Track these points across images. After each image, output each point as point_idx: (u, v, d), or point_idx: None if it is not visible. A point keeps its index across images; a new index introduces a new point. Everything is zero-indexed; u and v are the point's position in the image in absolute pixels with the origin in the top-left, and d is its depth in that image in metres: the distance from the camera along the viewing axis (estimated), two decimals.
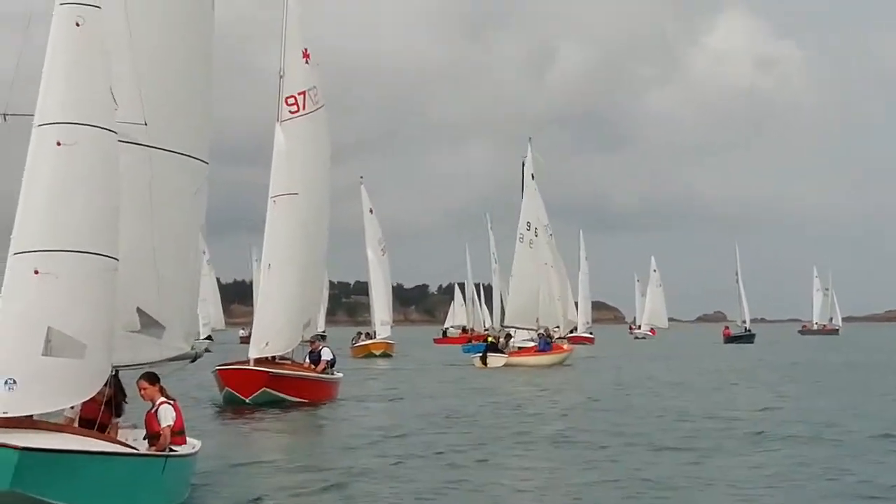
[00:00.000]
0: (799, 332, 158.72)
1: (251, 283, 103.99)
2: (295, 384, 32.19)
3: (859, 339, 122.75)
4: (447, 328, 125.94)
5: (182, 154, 16.97)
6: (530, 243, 65.01)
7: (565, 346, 63.12)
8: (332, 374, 34.15)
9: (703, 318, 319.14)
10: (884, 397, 37.73)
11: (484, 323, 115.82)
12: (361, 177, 79.28)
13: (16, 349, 13.32)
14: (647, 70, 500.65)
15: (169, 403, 16.05)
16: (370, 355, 72.70)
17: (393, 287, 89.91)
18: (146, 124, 15.52)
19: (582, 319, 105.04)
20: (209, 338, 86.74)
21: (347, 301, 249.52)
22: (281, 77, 35.27)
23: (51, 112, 13.67)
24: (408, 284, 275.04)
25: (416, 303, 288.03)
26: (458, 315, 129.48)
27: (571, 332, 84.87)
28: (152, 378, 16.20)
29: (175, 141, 16.73)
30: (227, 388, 31.89)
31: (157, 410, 15.97)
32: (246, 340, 45.77)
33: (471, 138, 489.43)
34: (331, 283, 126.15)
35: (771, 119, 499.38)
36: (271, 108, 35.41)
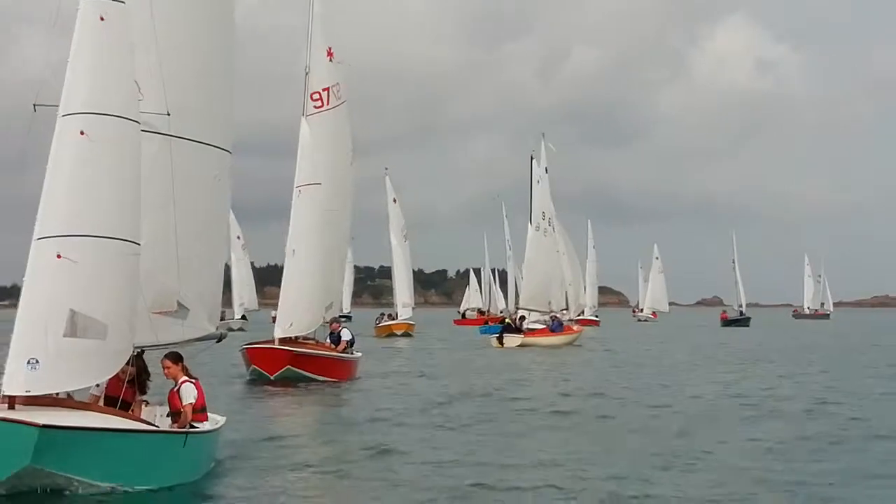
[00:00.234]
0: (793, 315, 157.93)
1: (283, 267, 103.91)
2: (317, 362, 31.83)
3: (851, 323, 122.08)
4: (465, 310, 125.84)
5: (205, 143, 16.53)
6: (545, 232, 64.61)
7: (575, 328, 63.02)
8: (352, 353, 33.75)
9: (702, 303, 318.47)
10: None
11: (498, 305, 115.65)
12: (386, 169, 79.38)
13: (38, 330, 12.94)
14: (653, 72, 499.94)
15: (191, 382, 15.66)
16: (392, 335, 72.85)
17: (414, 272, 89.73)
18: (169, 114, 15.05)
19: (589, 303, 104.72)
20: (244, 317, 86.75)
21: (372, 284, 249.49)
22: (306, 74, 34.87)
23: (74, 103, 13.26)
24: (428, 269, 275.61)
25: (436, 286, 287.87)
26: (472, 298, 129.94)
27: (580, 315, 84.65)
28: (176, 357, 15.81)
29: (198, 131, 16.30)
30: (253, 365, 31.70)
31: (179, 389, 15.57)
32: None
33: (487, 134, 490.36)
34: (356, 267, 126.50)
35: (768, 118, 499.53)
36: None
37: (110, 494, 13.43)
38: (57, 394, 13.64)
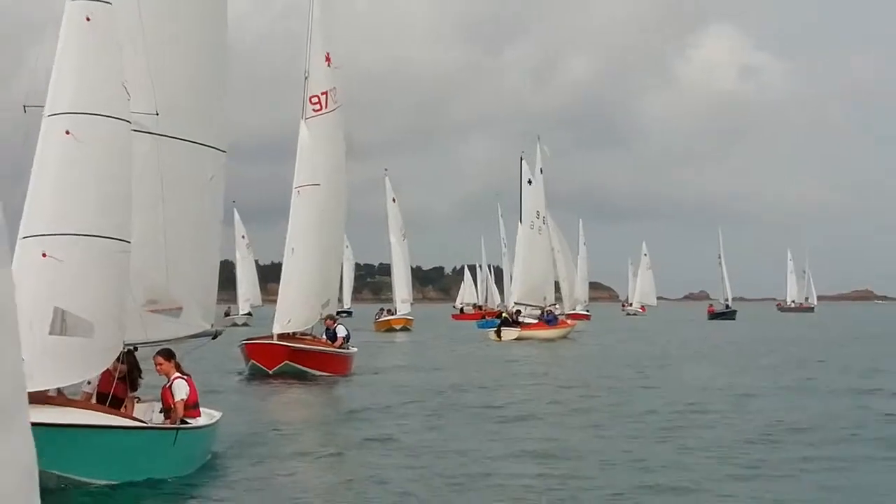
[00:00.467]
0: (777, 308, 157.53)
1: None
2: (314, 357, 31.42)
3: (835, 316, 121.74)
4: (463, 306, 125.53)
5: (197, 143, 16.00)
6: (539, 230, 64.22)
7: (568, 322, 62.94)
8: (348, 348, 33.34)
9: (689, 297, 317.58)
10: None
11: (495, 301, 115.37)
12: (386, 170, 79.25)
13: (24, 328, 12.40)
14: (642, 77, 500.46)
15: (183, 378, 15.22)
16: (391, 329, 72.26)
17: (412, 268, 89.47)
18: (157, 114, 14.55)
19: (580, 298, 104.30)
20: (249, 313, 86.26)
21: (372, 281, 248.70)
22: (306, 79, 34.38)
23: (61, 103, 12.78)
24: (425, 266, 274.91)
25: (433, 283, 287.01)
26: (467, 294, 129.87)
27: (573, 309, 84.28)
28: (168, 354, 15.36)
29: (189, 130, 15.76)
30: (252, 360, 31.29)
31: (171, 385, 15.13)
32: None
33: (483, 136, 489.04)
34: (357, 264, 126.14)
35: (752, 122, 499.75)
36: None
37: (101, 490, 13.05)
38: (47, 391, 13.20)
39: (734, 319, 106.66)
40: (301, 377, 30.30)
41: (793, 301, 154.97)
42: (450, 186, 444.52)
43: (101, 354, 13.31)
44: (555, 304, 64.69)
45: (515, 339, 55.39)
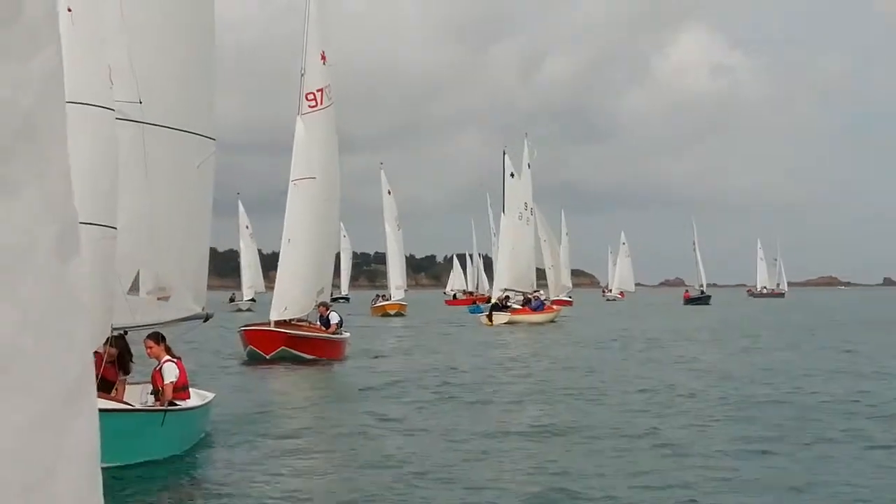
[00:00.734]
0: (748, 294, 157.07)
1: None
2: (309, 343, 30.83)
3: (806, 301, 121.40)
4: (455, 292, 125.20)
5: (184, 131, 15.18)
6: (527, 221, 63.90)
7: (554, 307, 63.00)
8: (341, 333, 32.73)
9: (665, 283, 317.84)
10: None
11: (485, 287, 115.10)
12: (381, 163, 79.98)
13: None
14: (621, 75, 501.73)
15: (172, 362, 14.59)
16: (386, 314, 72.06)
17: (406, 257, 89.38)
18: (141, 102, 13.84)
19: (566, 285, 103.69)
20: (252, 299, 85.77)
21: (368, 268, 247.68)
22: (302, 76, 33.66)
23: None
24: (418, 255, 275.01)
25: (425, 270, 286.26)
26: (456, 281, 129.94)
27: (558, 296, 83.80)
28: (158, 338, 14.72)
29: (175, 118, 14.94)
30: (250, 346, 30.70)
31: (161, 368, 14.51)
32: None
33: (472, 130, 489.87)
34: (354, 253, 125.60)
35: (725, 117, 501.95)
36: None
37: None
38: None
39: (709, 304, 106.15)
40: (297, 361, 29.74)
41: (763, 287, 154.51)
42: (442, 179, 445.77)
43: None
44: (539, 291, 64.57)
45: (506, 324, 55.17)
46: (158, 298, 15.34)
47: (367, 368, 29.46)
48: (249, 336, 31.01)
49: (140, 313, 14.55)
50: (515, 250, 62.70)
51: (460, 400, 21.74)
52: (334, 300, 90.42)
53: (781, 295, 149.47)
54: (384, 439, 16.51)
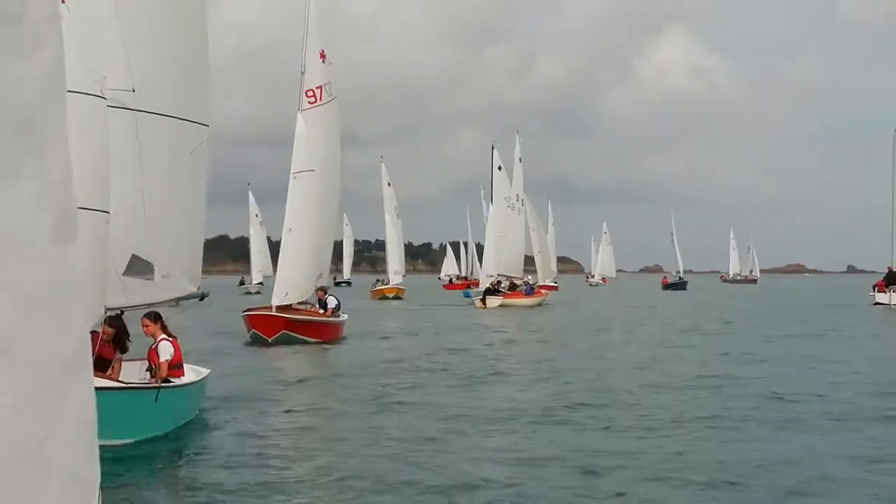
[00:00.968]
0: (721, 280, 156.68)
1: None
2: (309, 326, 30.30)
3: (776, 287, 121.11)
4: (452, 277, 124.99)
5: (176, 117, 14.49)
6: (518, 211, 63.70)
7: (542, 292, 63.07)
8: (338, 316, 32.24)
9: (645, 270, 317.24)
10: None
11: (479, 273, 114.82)
12: (382, 157, 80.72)
13: None
14: (606, 76, 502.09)
15: (168, 340, 14.08)
16: (385, 297, 71.75)
17: (405, 244, 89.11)
18: (134, 91, 13.26)
19: (553, 271, 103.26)
20: (261, 283, 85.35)
21: (369, 255, 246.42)
22: (302, 74, 33.06)
23: None
24: (416, 242, 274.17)
25: (422, 257, 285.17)
26: (450, 267, 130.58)
27: (545, 281, 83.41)
28: (154, 317, 14.19)
29: (168, 105, 14.25)
30: (253, 329, 30.16)
31: (157, 346, 14.01)
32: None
33: (467, 127, 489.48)
34: (356, 240, 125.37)
35: (703, 116, 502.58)
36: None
37: None
38: None
39: (685, 290, 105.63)
40: (296, 343, 29.22)
41: (735, 274, 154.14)
42: (440, 173, 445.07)
43: None
44: (528, 277, 64.55)
45: (499, 307, 55.19)
46: (153, 279, 14.77)
47: (362, 349, 28.97)
48: (252, 320, 30.48)
49: (134, 294, 14.00)
50: (508, 238, 62.42)
51: (454, 378, 21.31)
52: (337, 284, 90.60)
53: (754, 281, 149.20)
54: (376, 416, 16.01)
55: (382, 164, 77.17)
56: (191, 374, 15.00)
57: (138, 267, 14.32)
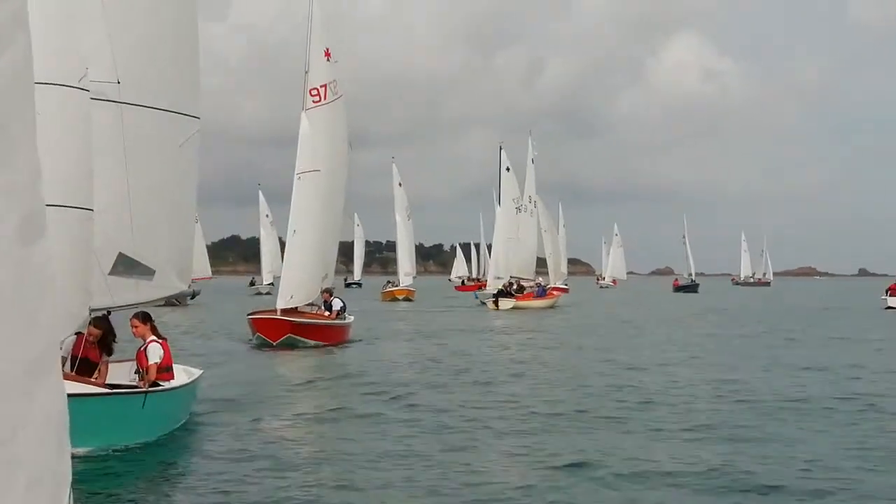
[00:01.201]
0: (732, 282, 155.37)
1: None
2: (314, 329, 29.61)
3: (789, 290, 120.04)
4: (462, 278, 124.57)
5: (165, 110, 13.84)
6: (531, 213, 62.95)
7: (555, 293, 62.74)
8: (344, 318, 31.61)
9: (656, 272, 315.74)
10: None
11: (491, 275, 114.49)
12: (393, 158, 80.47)
13: None
14: (617, 78, 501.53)
15: (158, 342, 13.47)
16: (395, 299, 71.30)
17: (415, 245, 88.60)
18: (119, 82, 12.67)
19: (564, 273, 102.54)
20: (271, 283, 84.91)
21: (380, 256, 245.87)
22: (306, 72, 32.41)
23: None
24: (427, 244, 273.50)
25: (433, 258, 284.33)
26: (460, 269, 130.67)
27: (556, 283, 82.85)
28: (144, 317, 13.55)
29: (154, 97, 13.62)
30: (258, 333, 29.52)
31: (146, 348, 13.41)
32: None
33: (478, 129, 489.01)
34: (367, 241, 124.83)
35: (714, 117, 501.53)
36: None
37: (72, 457, 11.35)
38: None
39: (697, 292, 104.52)
40: (301, 346, 28.63)
41: (748, 276, 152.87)
42: (451, 174, 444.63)
43: (63, 320, 11.55)
44: (539, 279, 64.14)
45: (511, 308, 54.76)
46: (142, 278, 14.15)
47: (367, 352, 28.38)
48: (257, 324, 29.87)
49: (121, 293, 13.40)
50: (520, 240, 61.78)
51: (459, 380, 20.83)
52: (348, 286, 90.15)
53: (767, 284, 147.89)
54: (378, 418, 15.50)
55: (394, 165, 76.96)
56: (182, 375, 14.38)
57: (125, 265, 13.69)
